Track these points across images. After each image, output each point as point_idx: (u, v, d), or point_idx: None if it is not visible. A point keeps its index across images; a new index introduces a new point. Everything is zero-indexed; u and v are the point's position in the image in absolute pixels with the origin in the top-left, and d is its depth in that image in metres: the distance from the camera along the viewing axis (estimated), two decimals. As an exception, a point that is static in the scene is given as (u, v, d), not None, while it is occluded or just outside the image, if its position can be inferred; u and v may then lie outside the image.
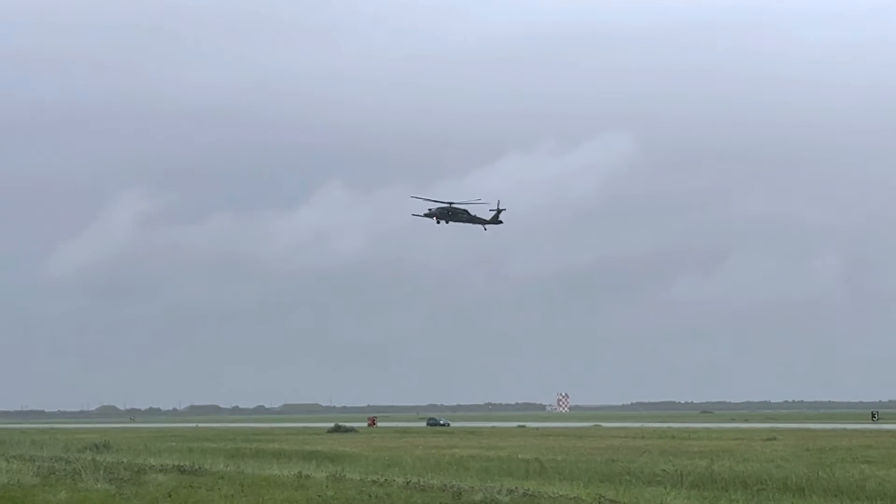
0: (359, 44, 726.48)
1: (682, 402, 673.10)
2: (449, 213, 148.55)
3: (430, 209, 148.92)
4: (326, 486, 51.29)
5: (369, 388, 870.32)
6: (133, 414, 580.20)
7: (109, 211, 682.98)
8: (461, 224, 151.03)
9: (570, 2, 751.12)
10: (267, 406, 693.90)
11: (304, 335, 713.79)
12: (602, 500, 48.14)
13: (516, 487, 53.90)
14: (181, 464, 68.37)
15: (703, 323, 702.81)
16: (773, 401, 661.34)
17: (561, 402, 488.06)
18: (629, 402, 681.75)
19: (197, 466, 65.18)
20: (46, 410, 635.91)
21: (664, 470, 75.35)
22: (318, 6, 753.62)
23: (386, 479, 57.24)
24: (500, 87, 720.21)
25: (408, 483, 54.45)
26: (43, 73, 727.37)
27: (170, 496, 45.79)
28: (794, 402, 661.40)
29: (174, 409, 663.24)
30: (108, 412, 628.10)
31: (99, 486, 49.85)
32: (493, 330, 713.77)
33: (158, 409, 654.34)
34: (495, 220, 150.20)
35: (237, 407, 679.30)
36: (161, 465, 67.19)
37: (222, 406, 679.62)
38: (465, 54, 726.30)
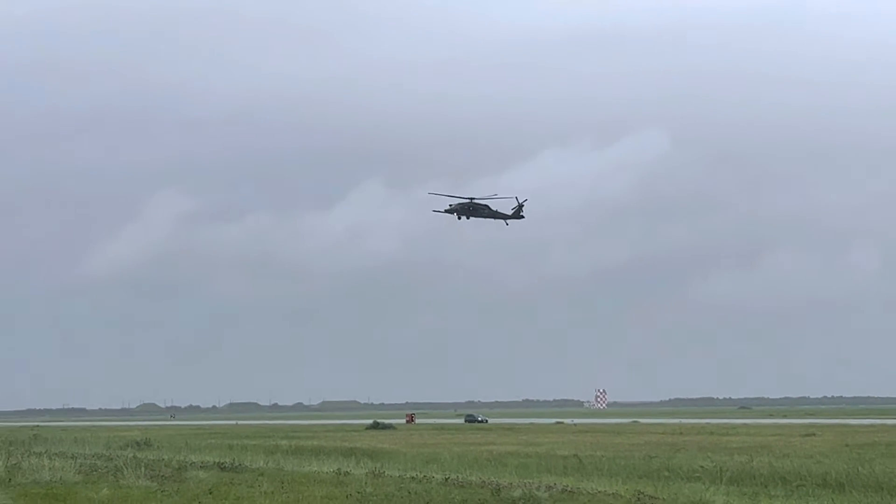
0: (391, 45, 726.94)
1: (720, 398, 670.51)
2: (469, 209, 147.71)
3: (450, 205, 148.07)
4: (365, 483, 51.36)
5: (407, 385, 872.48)
6: (173, 411, 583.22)
7: (149, 210, 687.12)
8: (483, 220, 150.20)
9: (602, 2, 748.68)
10: (305, 403, 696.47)
11: (342, 333, 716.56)
12: (641, 496, 48.00)
13: (555, 483, 53.84)
14: (221, 461, 68.60)
15: (740, 319, 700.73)
16: (811, 396, 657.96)
17: (599, 399, 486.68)
18: (667, 399, 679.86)
19: (237, 463, 65.38)
20: (88, 408, 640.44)
21: (703, 466, 75.11)
22: (347, 10, 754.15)
23: (425, 476, 57.26)
24: (536, 85, 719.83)
25: (446, 479, 54.47)
26: (84, 74, 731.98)
27: (210, 493, 45.99)
28: (832, 397, 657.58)
29: (214, 407, 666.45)
30: (148, 410, 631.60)
31: (140, 482, 50.09)
32: (530, 327, 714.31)
33: (198, 407, 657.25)
34: (517, 215, 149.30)
35: (276, 404, 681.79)
36: (202, 462, 67.42)
37: (261, 403, 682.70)
38: (499, 54, 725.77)
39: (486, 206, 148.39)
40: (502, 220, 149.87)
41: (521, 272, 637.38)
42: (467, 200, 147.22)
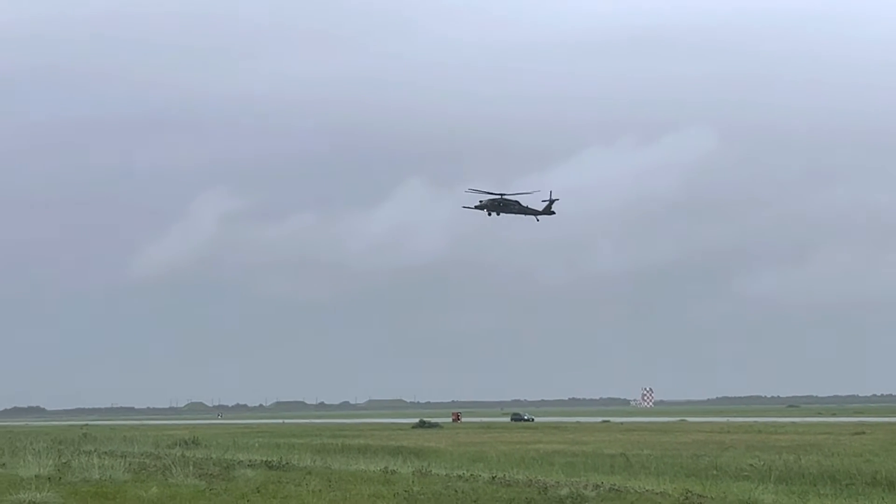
0: (434, 45, 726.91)
1: (768, 396, 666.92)
2: (500, 205, 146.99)
3: (480, 201, 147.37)
4: (412, 482, 51.44)
5: (453, 383, 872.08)
6: (220, 410, 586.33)
7: (194, 211, 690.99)
8: (514, 215, 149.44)
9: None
10: (352, 402, 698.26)
11: (387, 332, 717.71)
12: (689, 494, 47.77)
13: (602, 482, 53.70)
14: (269, 459, 68.93)
15: (787, 316, 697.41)
16: (860, 394, 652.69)
17: (645, 397, 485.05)
18: (714, 397, 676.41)
19: (284, 462, 65.66)
20: (136, 407, 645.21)
21: (751, 465, 74.67)
22: (388, 11, 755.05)
23: (471, 475, 57.27)
24: (580, 82, 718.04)
25: (493, 478, 54.46)
26: (133, 80, 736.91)
27: (259, 491, 46.19)
28: (882, 395, 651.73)
29: (260, 406, 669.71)
30: (196, 409, 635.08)
31: (189, 481, 50.38)
32: (577, 325, 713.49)
33: (245, 406, 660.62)
34: (548, 211, 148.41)
35: (322, 403, 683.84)
36: (249, 461, 67.76)
37: (308, 402, 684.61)
38: (543, 50, 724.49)
39: (516, 202, 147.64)
40: (533, 216, 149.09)
41: (566, 270, 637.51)
42: (497, 196, 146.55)
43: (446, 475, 57.09)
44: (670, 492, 49.51)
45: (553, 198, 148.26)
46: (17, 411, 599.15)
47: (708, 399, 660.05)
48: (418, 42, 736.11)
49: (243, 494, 45.01)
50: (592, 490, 47.87)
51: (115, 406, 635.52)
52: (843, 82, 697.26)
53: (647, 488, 51.55)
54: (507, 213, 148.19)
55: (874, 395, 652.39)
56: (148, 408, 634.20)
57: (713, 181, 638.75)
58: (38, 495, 42.62)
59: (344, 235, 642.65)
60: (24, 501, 41.53)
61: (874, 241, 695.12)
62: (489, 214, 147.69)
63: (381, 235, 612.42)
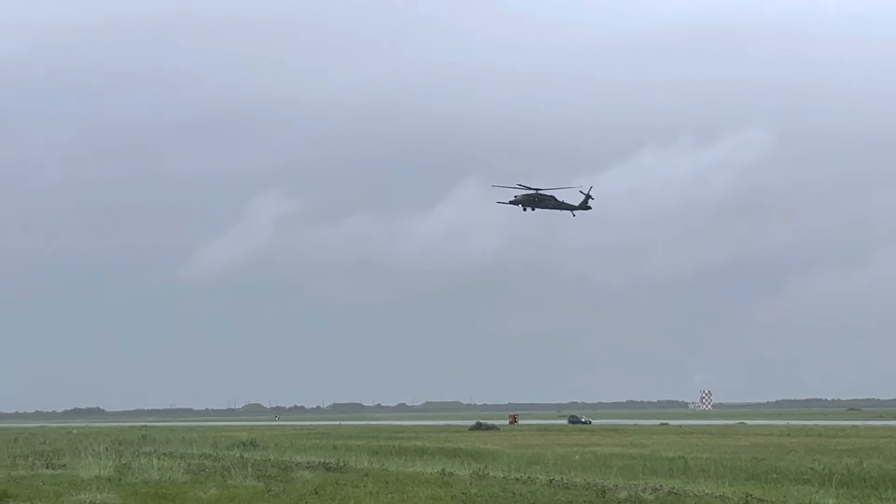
0: (488, 49, 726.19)
1: (829, 399, 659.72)
2: (535, 200, 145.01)
3: (515, 196, 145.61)
4: (470, 484, 51.42)
5: (510, 385, 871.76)
6: (278, 412, 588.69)
7: (251, 213, 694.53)
8: (549, 210, 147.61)
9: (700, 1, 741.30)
10: (408, 404, 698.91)
11: (443, 334, 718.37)
12: (749, 498, 47.43)
13: (661, 485, 53.44)
14: (326, 461, 69.14)
15: (847, 318, 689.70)
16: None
17: (704, 400, 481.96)
18: (774, 400, 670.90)
19: (342, 464, 65.82)
20: (194, 409, 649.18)
21: (811, 468, 74.08)
22: (443, 16, 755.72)
23: (529, 477, 57.19)
24: (634, 81, 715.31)
25: (551, 481, 54.33)
26: (190, 82, 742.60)
27: (317, 493, 46.32)
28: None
29: (318, 407, 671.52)
30: (253, 410, 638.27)
31: (247, 482, 50.62)
32: (633, 328, 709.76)
33: (302, 407, 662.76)
34: (584, 206, 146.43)
35: (379, 405, 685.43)
36: (307, 463, 68.00)
37: (364, 404, 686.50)
38: (599, 50, 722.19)
39: (551, 196, 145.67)
40: (569, 211, 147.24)
41: (622, 272, 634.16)
42: (532, 191, 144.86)
43: (504, 477, 57.03)
44: (730, 495, 49.19)
45: (589, 193, 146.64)
46: (77, 412, 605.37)
47: (767, 402, 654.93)
48: (474, 46, 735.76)
49: (301, 496, 45.16)
50: (651, 493, 47.66)
51: (173, 407, 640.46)
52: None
53: (706, 492, 51.27)
54: (542, 208, 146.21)
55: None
56: (206, 409, 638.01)
57: (771, 182, 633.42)
58: (99, 496, 42.99)
59: (399, 237, 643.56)
60: (85, 502, 41.91)
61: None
62: (524, 209, 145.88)
63: (437, 238, 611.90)
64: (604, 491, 48.23)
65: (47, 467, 62.20)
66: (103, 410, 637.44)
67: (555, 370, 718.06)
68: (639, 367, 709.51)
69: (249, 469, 57.04)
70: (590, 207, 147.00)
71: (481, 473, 59.05)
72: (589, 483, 53.62)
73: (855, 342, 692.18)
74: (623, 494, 46.47)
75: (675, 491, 50.12)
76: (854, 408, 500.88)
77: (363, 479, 53.50)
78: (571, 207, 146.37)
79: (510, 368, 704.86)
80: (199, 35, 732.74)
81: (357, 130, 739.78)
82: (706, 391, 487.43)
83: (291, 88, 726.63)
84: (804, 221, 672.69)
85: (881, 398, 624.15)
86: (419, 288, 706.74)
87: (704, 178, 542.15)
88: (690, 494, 48.82)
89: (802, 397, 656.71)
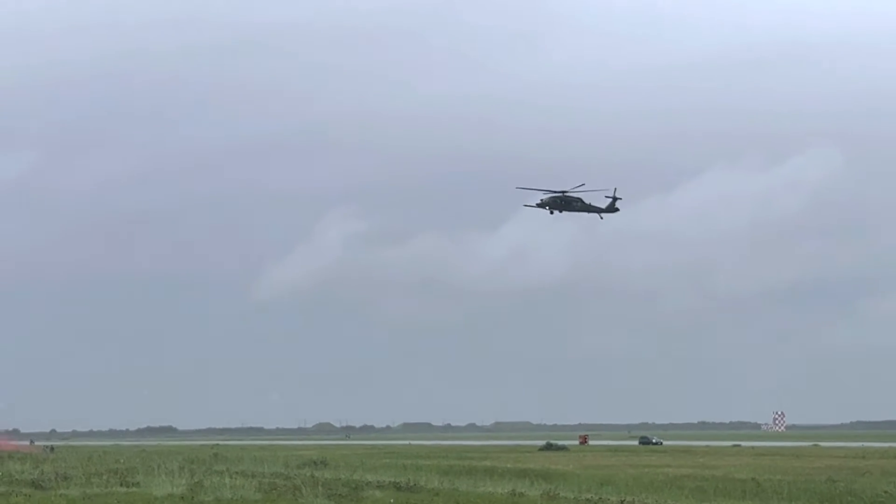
0: (551, 66, 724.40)
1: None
2: (562, 203, 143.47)
3: (542, 199, 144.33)
4: (541, 505, 51.30)
5: (579, 405, 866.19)
6: (348, 431, 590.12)
7: (319, 232, 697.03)
8: (576, 213, 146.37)
9: (771, 17, 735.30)
10: (478, 424, 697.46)
11: (512, 353, 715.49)
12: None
13: (733, 508, 53.01)
14: (397, 480, 69.13)
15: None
16: None
17: (777, 421, 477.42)
18: (848, 421, 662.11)
19: (412, 483, 65.79)
20: (265, 427, 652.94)
21: (886, 491, 73.10)
22: (510, 32, 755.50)
23: (600, 498, 56.90)
24: (702, 103, 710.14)
25: (622, 502, 54.05)
26: (262, 102, 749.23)
27: (387, 512, 46.46)
28: None
29: (388, 427, 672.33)
30: (324, 429, 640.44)
31: (318, 501, 50.79)
32: (702, 347, 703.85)
33: (372, 427, 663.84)
34: (611, 209, 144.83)
35: (449, 424, 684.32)
36: (378, 482, 68.06)
37: (434, 424, 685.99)
38: (664, 71, 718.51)
39: (579, 199, 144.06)
40: (596, 214, 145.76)
41: (691, 292, 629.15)
42: (559, 193, 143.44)
43: (575, 499, 56.82)
44: (804, 518, 48.68)
45: (616, 195, 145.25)
46: (150, 430, 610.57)
47: (841, 423, 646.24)
48: (546, 62, 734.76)
49: (372, 515, 45.30)
50: (723, 515, 47.29)
51: (244, 426, 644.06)
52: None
53: (779, 514, 50.77)
54: (569, 210, 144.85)
55: None
56: (277, 428, 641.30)
57: (841, 201, 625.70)
58: (172, 514, 43.38)
59: (466, 257, 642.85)
60: (159, 520, 42.32)
61: None
62: (551, 212, 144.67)
63: (503, 257, 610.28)
64: (676, 513, 47.94)
65: (121, 485, 62.70)
66: (175, 429, 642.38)
67: (625, 390, 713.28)
68: (710, 388, 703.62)
69: (320, 488, 57.18)
70: (617, 209, 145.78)
71: (552, 494, 58.83)
72: (660, 505, 53.30)
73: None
74: (695, 516, 46.18)
75: (748, 513, 49.71)
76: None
77: (433, 498, 53.52)
78: (599, 210, 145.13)
79: (580, 388, 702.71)
80: (271, 54, 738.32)
81: (423, 150, 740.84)
82: (779, 412, 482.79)
83: (362, 109, 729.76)
84: (873, 240, 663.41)
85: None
86: (484, 307, 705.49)
87: (772, 197, 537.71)
88: (764, 517, 48.40)
89: (878, 418, 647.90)
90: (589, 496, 59.05)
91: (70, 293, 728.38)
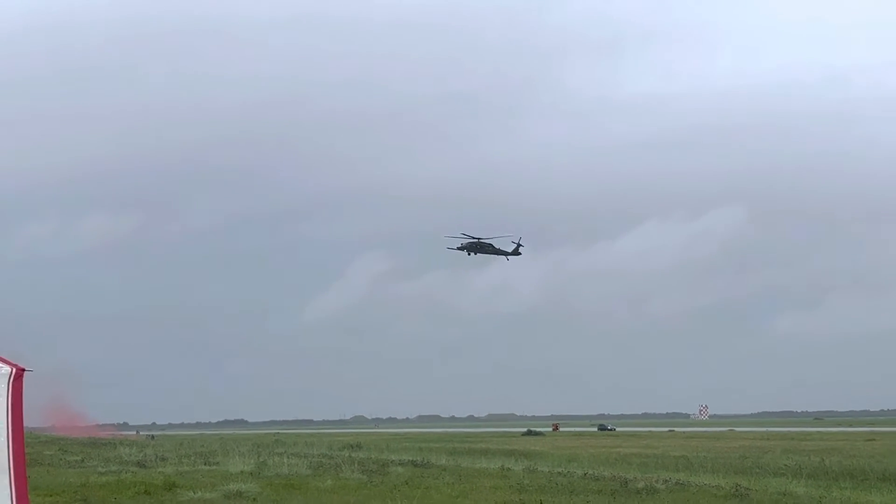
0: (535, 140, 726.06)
1: (798, 411, 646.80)
2: (477, 247, 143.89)
3: (461, 244, 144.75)
4: (523, 476, 51.08)
5: (553, 401, 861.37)
6: (377, 422, 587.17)
7: (353, 271, 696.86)
8: (488, 256, 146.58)
9: (698, 104, 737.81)
10: (475, 415, 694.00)
11: (499, 361, 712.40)
12: (738, 487, 46.60)
13: (669, 478, 52.71)
14: (414, 459, 68.81)
15: (809, 347, 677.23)
16: (871, 409, 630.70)
17: (701, 412, 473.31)
18: (756, 412, 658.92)
19: (426, 461, 65.47)
20: (314, 419, 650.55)
21: (785, 465, 72.89)
22: (525, 96, 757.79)
23: (568, 471, 56.63)
24: (641, 172, 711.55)
25: (585, 474, 53.81)
26: (309, 165, 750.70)
27: (407, 483, 46.22)
28: (889, 410, 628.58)
29: (406, 418, 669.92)
30: (358, 420, 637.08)
31: (355, 475, 50.55)
32: (645, 355, 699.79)
33: (395, 418, 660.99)
34: (515, 252, 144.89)
35: (453, 416, 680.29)
36: (399, 460, 67.71)
37: (442, 415, 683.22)
38: (611, 149, 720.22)
39: (490, 244, 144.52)
40: (503, 256, 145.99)
41: (633, 312, 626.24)
42: (475, 240, 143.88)
43: (549, 472, 56.53)
44: (723, 485, 48.42)
45: (519, 242, 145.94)
46: (226, 423, 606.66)
47: (751, 413, 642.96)
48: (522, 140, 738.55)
49: (395, 486, 45.07)
50: (662, 484, 47.08)
51: (298, 418, 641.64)
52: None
53: (704, 482, 50.52)
54: (482, 253, 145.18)
55: (882, 410, 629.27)
56: (322, 420, 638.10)
57: (741, 246, 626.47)
58: (244, 486, 43.18)
59: (463, 289, 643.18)
60: (233, 490, 42.09)
61: (872, 288, 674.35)
62: (469, 254, 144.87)
63: (491, 289, 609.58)
64: (626, 482, 47.68)
65: (205, 464, 62.31)
66: (246, 421, 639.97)
67: (587, 389, 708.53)
68: (651, 386, 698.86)
69: (356, 465, 56.93)
70: (520, 253, 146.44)
71: (531, 468, 58.56)
72: (614, 476, 52.99)
73: (817, 366, 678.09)
74: (641, 484, 45.98)
75: (680, 482, 49.46)
76: (818, 417, 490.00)
77: (442, 472, 53.33)
78: (506, 253, 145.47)
79: (552, 388, 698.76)
80: (315, 124, 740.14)
81: (443, 202, 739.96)
82: (703, 405, 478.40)
83: (391, 170, 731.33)
84: (771, 275, 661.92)
85: (839, 410, 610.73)
86: (479, 327, 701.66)
87: (692, 244, 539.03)
88: (693, 484, 48.20)
89: (778, 409, 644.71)
90: (559, 469, 58.78)
91: (171, 318, 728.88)
